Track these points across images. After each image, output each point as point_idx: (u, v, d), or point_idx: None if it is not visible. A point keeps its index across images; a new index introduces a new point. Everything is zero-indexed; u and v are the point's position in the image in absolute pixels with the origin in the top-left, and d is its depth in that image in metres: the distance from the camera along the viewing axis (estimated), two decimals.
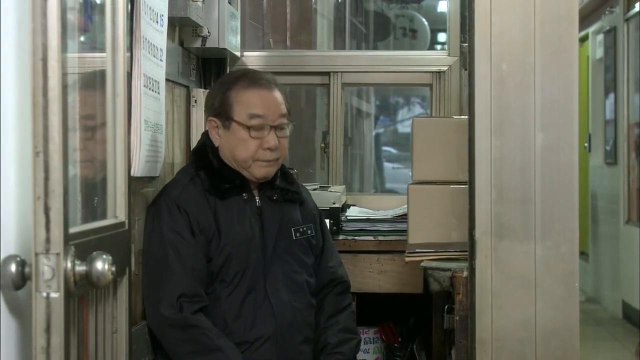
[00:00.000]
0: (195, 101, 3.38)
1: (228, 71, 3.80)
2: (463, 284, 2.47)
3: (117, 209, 2.02)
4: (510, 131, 2.30)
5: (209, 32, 3.36)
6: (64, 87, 1.65)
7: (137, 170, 2.62)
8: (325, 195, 3.51)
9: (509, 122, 2.30)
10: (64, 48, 1.64)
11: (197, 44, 3.35)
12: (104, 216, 2.02)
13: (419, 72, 4.04)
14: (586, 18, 8.37)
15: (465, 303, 2.44)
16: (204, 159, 2.87)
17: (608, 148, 7.89)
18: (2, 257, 1.61)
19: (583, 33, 8.61)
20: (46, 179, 1.62)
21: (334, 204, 3.49)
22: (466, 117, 2.44)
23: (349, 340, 2.95)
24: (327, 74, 4.03)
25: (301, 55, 4.32)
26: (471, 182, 2.32)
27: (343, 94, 4.08)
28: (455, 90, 3.97)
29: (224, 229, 2.80)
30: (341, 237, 3.47)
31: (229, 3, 3.50)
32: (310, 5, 6.22)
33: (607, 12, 7.87)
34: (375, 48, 8.59)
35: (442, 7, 8.80)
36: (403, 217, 3.49)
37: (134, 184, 2.66)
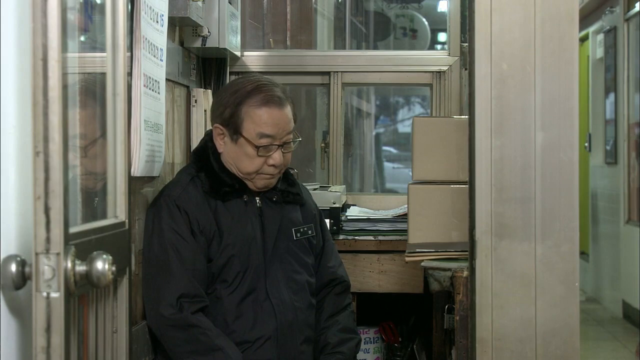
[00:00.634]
0: (196, 101, 3.38)
1: (228, 71, 3.80)
2: (463, 283, 2.47)
3: (117, 209, 2.02)
4: (511, 131, 2.30)
5: (209, 31, 3.36)
6: (64, 87, 1.65)
7: (137, 170, 2.62)
8: (326, 195, 3.51)
9: (509, 122, 2.30)
10: (64, 48, 1.64)
11: (198, 43, 3.35)
12: (104, 216, 2.02)
13: (419, 72, 4.04)
14: (586, 18, 8.37)
15: (466, 303, 2.44)
16: (205, 160, 2.87)
17: (608, 148, 7.89)
18: (2, 256, 1.61)
19: (583, 33, 8.61)
20: (46, 178, 1.62)
21: (334, 203, 3.49)
22: (466, 116, 2.44)
23: (349, 340, 2.95)
24: (328, 73, 4.03)
25: (301, 55, 4.32)
26: (471, 182, 2.32)
27: (343, 94, 4.08)
28: (456, 90, 3.97)
29: (225, 230, 2.80)
30: (341, 236, 3.47)
31: (229, 3, 3.50)
32: (310, 5, 6.22)
33: (607, 12, 7.87)
34: (375, 48, 8.59)
35: (443, 7, 8.80)
36: (403, 217, 3.49)
37: (134, 183, 2.66)
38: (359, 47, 7.88)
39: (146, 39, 2.64)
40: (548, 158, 2.29)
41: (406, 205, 2.86)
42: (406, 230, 2.83)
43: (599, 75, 8.28)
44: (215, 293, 2.79)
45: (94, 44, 2.15)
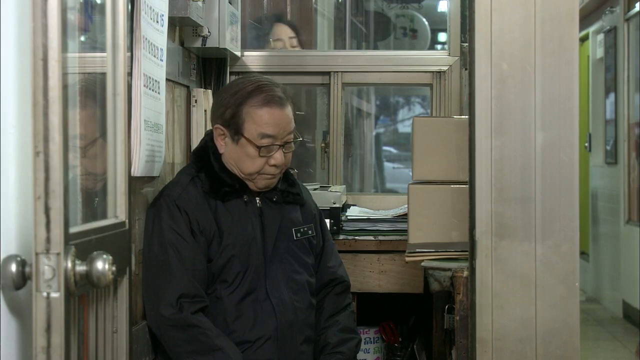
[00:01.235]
0: (196, 101, 3.38)
1: (228, 71, 3.80)
2: (463, 283, 2.47)
3: (118, 209, 2.02)
4: (511, 131, 2.30)
5: (209, 31, 3.36)
6: (65, 87, 1.65)
7: (137, 170, 2.62)
8: (326, 195, 3.51)
9: (509, 122, 2.30)
10: (64, 48, 1.64)
11: (198, 43, 3.35)
12: (104, 216, 2.02)
13: (419, 72, 4.04)
14: (586, 18, 8.37)
15: (466, 303, 2.44)
16: (205, 161, 2.87)
17: (608, 148, 7.89)
18: (2, 256, 1.61)
19: (583, 33, 8.61)
20: (46, 178, 1.62)
21: (334, 203, 3.49)
22: (466, 116, 2.44)
23: (349, 340, 2.95)
24: (328, 73, 4.03)
25: (301, 55, 4.32)
26: (471, 182, 2.32)
27: (343, 94, 4.07)
28: (456, 90, 3.97)
29: (225, 230, 2.80)
30: (341, 236, 3.47)
31: (230, 3, 3.50)
32: (310, 5, 6.22)
33: (607, 12, 7.87)
34: (375, 48, 8.58)
35: (443, 7, 8.80)
36: (403, 217, 3.49)
37: (134, 183, 2.66)
38: (359, 47, 7.87)
39: (146, 39, 2.64)
40: (548, 158, 2.29)
41: (406, 205, 2.86)
42: (406, 230, 2.83)
43: (599, 75, 8.28)
44: (215, 293, 2.79)
45: (94, 44, 2.15)
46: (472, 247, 2.31)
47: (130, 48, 2.53)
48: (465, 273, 2.47)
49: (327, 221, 3.33)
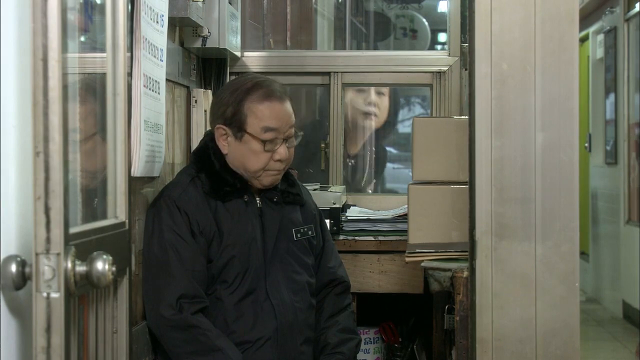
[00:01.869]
0: (196, 101, 3.38)
1: (228, 71, 3.80)
2: (463, 283, 2.47)
3: (118, 209, 2.02)
4: (511, 131, 2.30)
5: (209, 32, 3.36)
6: (65, 87, 1.65)
7: (137, 170, 2.62)
8: (326, 196, 3.51)
9: (509, 122, 2.30)
10: (64, 48, 1.64)
11: (198, 44, 3.35)
12: (104, 216, 2.02)
13: (419, 72, 4.04)
14: (586, 18, 8.37)
15: (466, 303, 2.44)
16: (206, 161, 2.87)
17: (608, 148, 7.88)
18: (2, 257, 1.61)
19: (583, 33, 8.61)
20: (46, 179, 1.62)
21: (334, 204, 3.49)
22: (466, 117, 2.44)
23: (349, 340, 2.95)
24: (328, 74, 4.03)
25: (301, 55, 4.32)
26: (471, 182, 2.32)
27: (343, 94, 4.07)
28: (456, 90, 3.97)
29: (225, 231, 2.80)
30: (341, 237, 3.47)
31: (229, 3, 3.50)
32: (310, 6, 6.21)
33: (607, 12, 7.87)
34: (375, 48, 8.58)
35: (443, 7, 8.79)
36: (403, 217, 3.49)
37: (134, 184, 2.66)
38: (359, 48, 7.87)
39: (146, 39, 2.64)
40: (548, 158, 2.29)
41: (406, 206, 2.86)
42: (406, 230, 2.83)
43: (599, 76, 8.28)
44: (215, 294, 2.79)
45: (94, 44, 2.15)
46: (472, 248, 2.31)
47: (130, 48, 2.53)
48: (465, 273, 2.47)
49: (327, 221, 3.33)
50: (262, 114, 2.81)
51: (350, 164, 4.28)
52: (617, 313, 7.38)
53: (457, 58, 3.97)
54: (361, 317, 3.49)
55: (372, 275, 3.43)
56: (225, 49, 3.46)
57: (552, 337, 2.30)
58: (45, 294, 1.61)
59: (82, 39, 2.09)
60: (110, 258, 1.72)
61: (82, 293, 1.81)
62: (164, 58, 2.83)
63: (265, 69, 3.97)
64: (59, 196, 1.62)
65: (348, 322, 3.00)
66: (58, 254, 1.62)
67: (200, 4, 3.15)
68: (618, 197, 7.47)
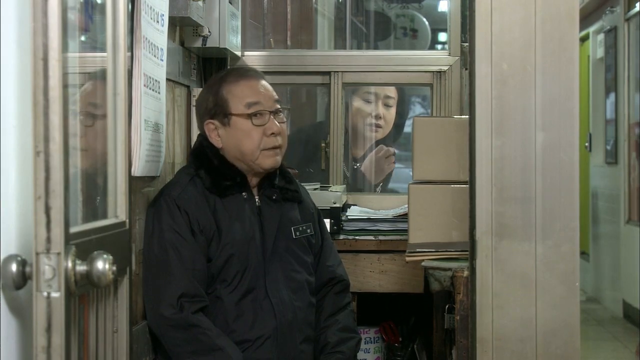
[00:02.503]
0: (196, 101, 3.38)
1: None
2: (464, 283, 2.47)
3: (118, 209, 2.02)
4: (511, 131, 2.30)
5: (209, 31, 3.36)
6: (65, 87, 1.65)
7: (138, 170, 2.62)
8: (326, 195, 3.50)
9: (509, 122, 2.30)
10: (64, 48, 1.64)
11: (198, 43, 3.35)
12: (104, 216, 2.02)
13: (419, 72, 4.03)
14: (587, 17, 8.37)
15: (466, 302, 2.44)
16: (204, 158, 2.87)
17: (609, 147, 7.88)
18: (2, 256, 1.62)
19: (584, 32, 8.61)
20: (47, 178, 1.62)
21: (334, 203, 3.49)
22: (467, 116, 2.44)
23: (349, 340, 2.95)
24: (328, 73, 4.03)
25: (302, 55, 4.31)
26: (472, 182, 2.32)
27: (344, 94, 4.07)
28: (456, 89, 3.97)
29: (224, 229, 2.80)
30: (342, 236, 3.47)
31: (230, 3, 3.50)
32: (310, 5, 6.22)
33: (607, 12, 7.87)
34: (375, 48, 8.58)
35: (443, 6, 8.80)
36: (404, 217, 3.49)
37: (135, 183, 2.66)
38: (359, 47, 7.88)
39: (146, 38, 2.64)
40: (548, 158, 2.29)
41: (406, 205, 2.86)
42: (406, 230, 2.83)
43: (599, 75, 8.28)
44: (215, 292, 2.79)
45: (95, 44, 2.15)
46: (472, 247, 2.31)
47: (131, 48, 2.53)
48: (466, 273, 2.47)
49: (327, 221, 3.33)
50: (241, 92, 2.85)
51: (355, 167, 4.27)
52: (618, 313, 7.39)
53: (457, 58, 3.97)
54: (361, 317, 3.49)
55: (372, 275, 3.43)
56: (225, 49, 3.46)
57: (552, 336, 2.30)
58: (45, 294, 1.61)
59: (83, 38, 2.09)
60: (111, 257, 1.72)
61: (82, 292, 1.81)
62: (165, 58, 2.84)
63: (265, 69, 3.96)
64: (59, 196, 1.62)
65: (348, 321, 3.00)
66: (58, 254, 1.62)
67: (200, 3, 3.15)
68: (618, 196, 7.47)
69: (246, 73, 2.92)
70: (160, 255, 2.74)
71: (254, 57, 4.01)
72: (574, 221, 2.30)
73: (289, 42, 5.76)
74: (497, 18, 2.30)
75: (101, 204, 2.06)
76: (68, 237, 1.64)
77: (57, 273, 1.61)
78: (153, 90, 2.72)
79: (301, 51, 4.97)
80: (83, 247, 1.72)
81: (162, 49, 2.80)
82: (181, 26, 3.27)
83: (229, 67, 3.03)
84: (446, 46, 4.15)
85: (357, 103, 4.26)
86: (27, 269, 1.62)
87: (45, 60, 1.62)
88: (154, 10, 2.70)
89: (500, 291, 2.30)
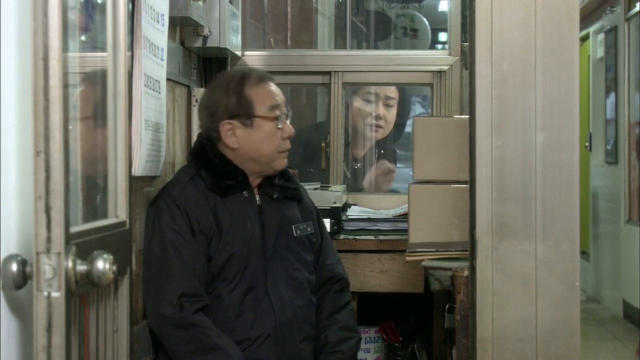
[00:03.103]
0: (196, 101, 3.38)
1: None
2: (464, 283, 2.47)
3: (118, 209, 2.02)
4: (511, 130, 2.30)
5: (209, 31, 3.36)
6: (65, 87, 1.65)
7: (138, 170, 2.62)
8: (326, 195, 3.51)
9: (509, 122, 2.30)
10: (65, 48, 1.64)
11: (198, 43, 3.35)
12: (105, 215, 2.02)
13: (419, 72, 4.04)
14: (587, 17, 8.37)
15: (466, 302, 2.44)
16: (204, 157, 2.88)
17: (609, 147, 7.88)
18: (3, 256, 1.62)
19: (584, 32, 8.60)
20: (47, 178, 1.62)
21: (334, 203, 3.49)
22: (467, 116, 2.44)
23: (349, 339, 2.95)
24: (328, 73, 4.03)
25: (302, 54, 4.32)
26: (472, 182, 2.32)
27: (344, 94, 4.07)
28: (456, 89, 3.97)
29: (224, 228, 2.80)
30: (342, 236, 3.47)
31: (230, 2, 3.50)
32: (311, 5, 6.21)
33: (607, 12, 7.86)
34: (376, 47, 8.58)
35: (443, 6, 8.79)
36: (404, 217, 3.49)
37: (135, 183, 2.66)
38: (359, 47, 7.87)
39: (147, 38, 2.64)
40: (548, 158, 2.29)
41: (407, 205, 2.86)
42: (407, 229, 2.83)
43: (599, 75, 8.28)
44: (215, 292, 2.79)
45: (95, 44, 2.15)
46: (472, 247, 2.31)
47: (131, 48, 2.53)
48: (466, 272, 2.47)
49: (328, 221, 3.33)
50: (264, 95, 2.88)
51: (356, 167, 4.28)
52: (618, 312, 7.38)
53: (457, 57, 3.97)
54: (362, 317, 3.49)
55: (372, 275, 3.43)
56: (225, 49, 3.46)
57: (552, 336, 2.30)
58: (46, 293, 1.61)
59: (83, 38, 2.09)
60: (111, 257, 1.72)
61: (82, 292, 1.81)
62: (165, 57, 2.84)
63: (265, 69, 3.96)
64: (59, 195, 1.62)
65: (348, 320, 3.00)
66: (59, 253, 1.62)
67: (200, 3, 3.15)
68: (618, 196, 7.47)
69: (266, 76, 2.94)
70: (160, 255, 2.75)
71: (254, 57, 4.01)
72: (574, 221, 2.30)
73: (289, 42, 5.76)
74: (497, 18, 2.30)
75: (101, 204, 2.06)
76: (68, 237, 1.64)
77: (57, 273, 1.61)
78: (153, 90, 2.72)
79: (301, 51, 4.97)
80: (83, 246, 1.72)
81: (162, 49, 2.80)
82: (181, 26, 3.27)
83: (238, 70, 3.05)
84: (446, 46, 4.15)
85: (357, 103, 4.26)
86: (28, 269, 1.62)
87: (46, 60, 1.62)
88: (154, 10, 2.70)
89: (501, 291, 2.30)
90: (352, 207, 3.85)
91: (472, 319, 2.32)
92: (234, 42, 3.60)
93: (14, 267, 1.61)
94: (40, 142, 1.62)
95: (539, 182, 2.30)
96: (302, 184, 3.18)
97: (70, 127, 1.70)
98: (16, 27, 1.66)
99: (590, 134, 8.57)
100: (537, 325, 2.30)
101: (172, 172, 3.10)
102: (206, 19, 3.32)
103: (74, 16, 1.88)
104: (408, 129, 4.47)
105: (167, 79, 2.92)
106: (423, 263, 2.71)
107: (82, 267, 1.67)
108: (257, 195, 2.90)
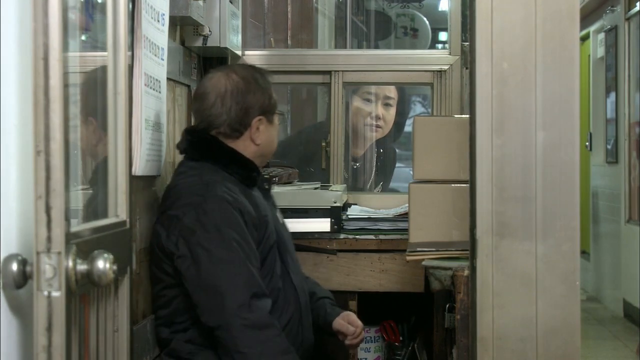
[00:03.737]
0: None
1: None
2: (464, 282, 2.47)
3: (118, 208, 2.02)
4: (512, 130, 2.30)
5: (210, 31, 3.36)
6: (65, 86, 1.65)
7: (138, 169, 2.62)
8: (326, 194, 3.51)
9: (510, 121, 2.30)
10: (65, 47, 1.64)
11: (198, 42, 3.35)
12: (105, 215, 2.02)
13: (420, 71, 4.04)
14: (587, 17, 8.37)
15: (467, 302, 2.44)
16: (222, 154, 2.84)
17: (609, 147, 7.88)
18: (3, 256, 1.62)
19: (584, 32, 8.60)
20: (47, 178, 1.62)
21: (335, 203, 3.49)
22: (467, 116, 2.44)
23: (325, 290, 3.09)
24: (329, 73, 4.03)
25: (302, 54, 4.32)
26: (472, 181, 2.32)
27: (344, 93, 4.07)
28: (457, 89, 3.97)
29: (263, 220, 2.79)
30: (342, 236, 3.47)
31: (230, 2, 3.50)
32: (311, 5, 6.22)
33: (608, 11, 7.87)
34: (376, 47, 8.58)
35: (443, 6, 8.79)
36: (404, 216, 3.49)
37: (135, 183, 2.66)
38: (359, 47, 7.88)
39: (147, 38, 2.64)
40: (549, 157, 2.29)
41: (407, 205, 2.86)
42: (407, 229, 2.83)
43: (599, 75, 8.28)
44: None
45: (95, 43, 2.16)
46: (472, 246, 2.31)
47: (131, 47, 2.53)
48: (466, 272, 2.47)
49: (328, 220, 3.36)
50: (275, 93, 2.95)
51: (355, 167, 4.28)
52: (618, 312, 7.39)
53: (457, 57, 3.97)
54: (362, 316, 3.49)
55: (372, 274, 3.43)
56: (226, 48, 3.46)
57: (552, 336, 2.30)
58: (46, 293, 1.61)
59: (83, 37, 2.09)
60: (111, 257, 1.72)
61: (83, 292, 1.81)
62: (165, 57, 2.84)
63: (266, 68, 3.95)
64: (60, 195, 1.62)
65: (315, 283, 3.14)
66: (59, 253, 1.62)
67: (201, 3, 3.15)
68: (619, 196, 7.47)
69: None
70: (223, 256, 2.66)
71: (254, 57, 4.01)
72: (575, 220, 2.29)
73: (289, 42, 5.76)
74: (497, 17, 2.30)
75: (102, 203, 2.06)
76: (69, 237, 1.65)
77: (57, 272, 1.61)
78: (154, 89, 2.73)
79: (302, 50, 4.97)
80: (84, 246, 1.72)
81: (162, 48, 2.80)
82: (182, 25, 3.27)
83: (248, 66, 3.06)
84: (447, 45, 4.15)
85: (356, 103, 4.26)
86: (28, 268, 1.62)
87: (46, 59, 1.62)
88: (154, 9, 2.70)
89: (501, 290, 2.30)
90: (353, 206, 3.85)
91: (473, 318, 2.32)
92: (234, 41, 3.60)
93: (14, 266, 1.61)
94: (41, 142, 1.62)
95: (540, 181, 2.30)
96: (302, 183, 3.19)
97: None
98: (16, 27, 1.66)
99: (591, 134, 8.57)
100: (538, 324, 2.30)
101: (172, 172, 3.10)
102: (206, 19, 3.32)
103: (74, 16, 1.88)
104: (407, 128, 4.48)
105: (168, 78, 2.92)
106: (423, 262, 2.71)
107: (82, 267, 1.67)
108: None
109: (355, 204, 3.91)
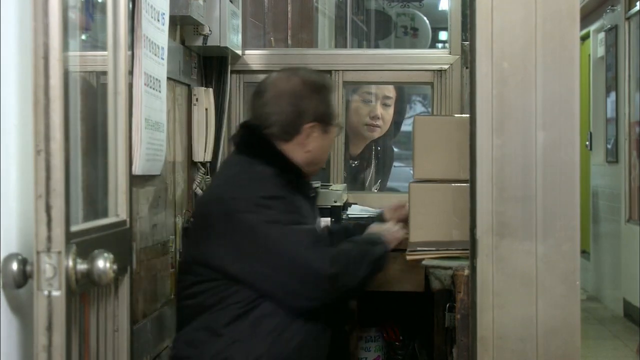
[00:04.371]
0: (197, 100, 3.38)
1: (229, 70, 3.79)
2: (464, 282, 2.47)
3: (119, 208, 2.02)
4: (512, 129, 2.30)
5: (210, 30, 3.36)
6: (66, 86, 1.65)
7: (138, 169, 2.62)
8: (327, 194, 3.51)
9: (510, 121, 2.30)
10: (65, 47, 1.64)
11: (199, 42, 3.36)
12: (105, 214, 2.02)
13: (420, 71, 4.04)
14: (587, 16, 8.37)
15: (467, 301, 2.44)
16: (275, 156, 2.82)
17: (609, 146, 7.88)
18: (3, 255, 1.62)
19: (584, 31, 8.60)
20: (48, 177, 1.62)
21: (335, 202, 3.49)
22: (467, 115, 2.44)
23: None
24: (329, 72, 4.03)
25: (302, 53, 4.32)
26: (472, 181, 2.31)
27: (344, 93, 4.07)
28: (457, 88, 3.97)
29: (303, 223, 2.80)
30: None
31: (230, 1, 3.50)
32: (311, 4, 6.22)
33: (608, 11, 7.86)
34: (376, 46, 8.59)
35: (444, 5, 8.80)
36: None
37: (135, 182, 2.66)
38: (360, 46, 7.88)
39: (147, 37, 2.64)
40: (549, 157, 2.29)
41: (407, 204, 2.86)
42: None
43: (599, 74, 8.28)
44: None
45: (95, 43, 2.16)
46: (472, 246, 2.31)
47: (131, 47, 2.53)
48: (466, 272, 2.47)
49: (328, 219, 3.35)
50: (336, 107, 2.98)
51: (353, 165, 4.28)
52: (618, 311, 7.39)
53: (458, 56, 3.97)
54: (362, 316, 3.49)
55: None
56: (226, 48, 3.46)
57: (552, 335, 2.30)
58: (46, 292, 1.61)
59: (83, 37, 2.09)
60: (112, 256, 1.72)
61: (83, 291, 1.81)
62: (165, 56, 2.84)
63: (266, 68, 3.96)
64: (60, 195, 1.62)
65: None
66: (59, 252, 1.62)
67: (201, 2, 3.15)
68: (619, 195, 7.47)
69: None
70: (294, 238, 2.69)
71: (254, 56, 4.01)
72: (575, 220, 2.29)
73: (289, 41, 5.76)
74: (497, 17, 2.30)
75: (102, 203, 2.06)
76: (69, 236, 1.65)
77: (57, 272, 1.61)
78: (154, 89, 2.73)
79: (302, 50, 4.97)
80: (84, 245, 1.72)
81: (162, 48, 2.81)
82: (182, 25, 3.27)
83: (314, 73, 2.97)
84: (447, 45, 4.15)
85: (355, 102, 4.26)
86: (28, 268, 1.62)
87: (46, 59, 1.62)
88: (154, 9, 2.70)
89: (501, 290, 2.30)
90: (353, 206, 3.85)
91: (473, 318, 2.32)
92: (234, 41, 3.60)
93: (15, 266, 1.61)
94: (41, 142, 1.62)
95: (540, 181, 2.30)
96: None
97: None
98: (16, 26, 1.66)
99: (591, 133, 8.57)
100: (538, 324, 2.30)
101: (172, 171, 3.10)
102: (206, 18, 3.32)
103: (74, 15, 1.88)
104: (406, 127, 4.48)
105: (168, 78, 2.92)
106: (423, 262, 2.71)
107: (82, 266, 1.67)
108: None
109: (356, 204, 3.91)
